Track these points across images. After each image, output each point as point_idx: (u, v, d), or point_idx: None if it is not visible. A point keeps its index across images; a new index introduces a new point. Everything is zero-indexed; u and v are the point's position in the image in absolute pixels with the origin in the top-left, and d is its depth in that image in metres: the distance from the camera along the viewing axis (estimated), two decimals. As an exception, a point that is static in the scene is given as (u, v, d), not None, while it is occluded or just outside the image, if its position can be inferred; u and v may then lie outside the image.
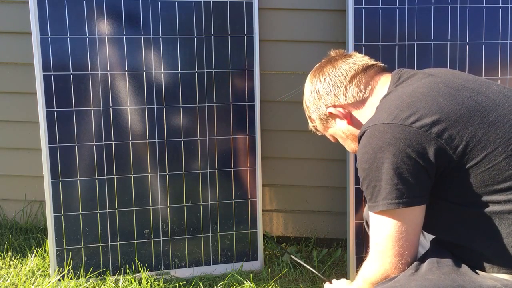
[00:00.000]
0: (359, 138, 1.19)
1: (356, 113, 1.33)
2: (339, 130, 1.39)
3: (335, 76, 1.34)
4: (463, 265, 1.12)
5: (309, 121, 1.50)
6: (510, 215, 1.06)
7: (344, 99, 1.32)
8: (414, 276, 1.11)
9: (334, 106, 1.35)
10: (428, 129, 1.07)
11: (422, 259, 1.18)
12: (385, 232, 1.13)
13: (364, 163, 1.14)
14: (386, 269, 1.15)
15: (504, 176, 1.06)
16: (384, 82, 1.30)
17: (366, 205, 1.29)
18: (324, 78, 1.36)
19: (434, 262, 1.14)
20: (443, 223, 1.17)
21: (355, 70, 1.32)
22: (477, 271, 1.11)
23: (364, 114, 1.31)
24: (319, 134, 1.52)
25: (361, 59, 1.36)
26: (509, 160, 1.06)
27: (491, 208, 1.08)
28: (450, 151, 1.07)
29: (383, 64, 1.38)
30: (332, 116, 1.38)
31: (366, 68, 1.33)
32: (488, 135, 1.07)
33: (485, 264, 1.10)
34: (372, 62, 1.36)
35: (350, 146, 1.42)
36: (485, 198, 1.08)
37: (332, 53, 1.45)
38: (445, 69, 1.29)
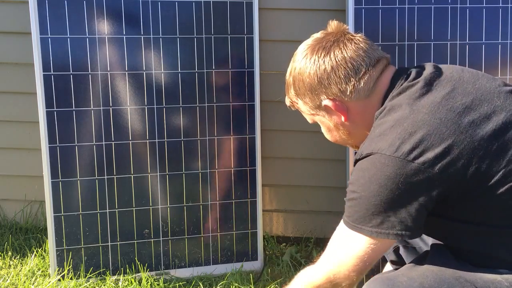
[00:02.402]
0: (358, 159, 1.14)
1: (355, 111, 1.24)
2: (329, 121, 1.29)
3: (345, 68, 1.20)
4: (464, 262, 1.13)
5: (288, 97, 1.34)
6: None
7: (350, 97, 1.22)
8: (416, 267, 1.12)
9: (335, 100, 1.23)
10: (430, 165, 1.03)
11: (424, 256, 1.19)
12: (354, 251, 1.11)
13: (355, 186, 1.11)
14: (337, 278, 1.13)
15: (508, 205, 1.06)
16: (387, 81, 1.23)
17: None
18: (331, 66, 1.21)
19: (435, 256, 1.15)
20: (444, 235, 1.18)
21: (367, 64, 1.21)
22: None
23: (363, 113, 1.24)
24: (293, 110, 1.39)
25: (372, 52, 1.24)
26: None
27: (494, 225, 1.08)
28: (453, 186, 1.05)
29: (388, 55, 1.29)
30: (327, 108, 1.26)
31: (375, 64, 1.22)
32: (491, 167, 1.04)
33: (486, 264, 1.11)
34: (381, 54, 1.26)
35: (334, 136, 1.33)
36: (487, 219, 1.08)
37: (332, 27, 1.29)
38: (450, 69, 1.21)
